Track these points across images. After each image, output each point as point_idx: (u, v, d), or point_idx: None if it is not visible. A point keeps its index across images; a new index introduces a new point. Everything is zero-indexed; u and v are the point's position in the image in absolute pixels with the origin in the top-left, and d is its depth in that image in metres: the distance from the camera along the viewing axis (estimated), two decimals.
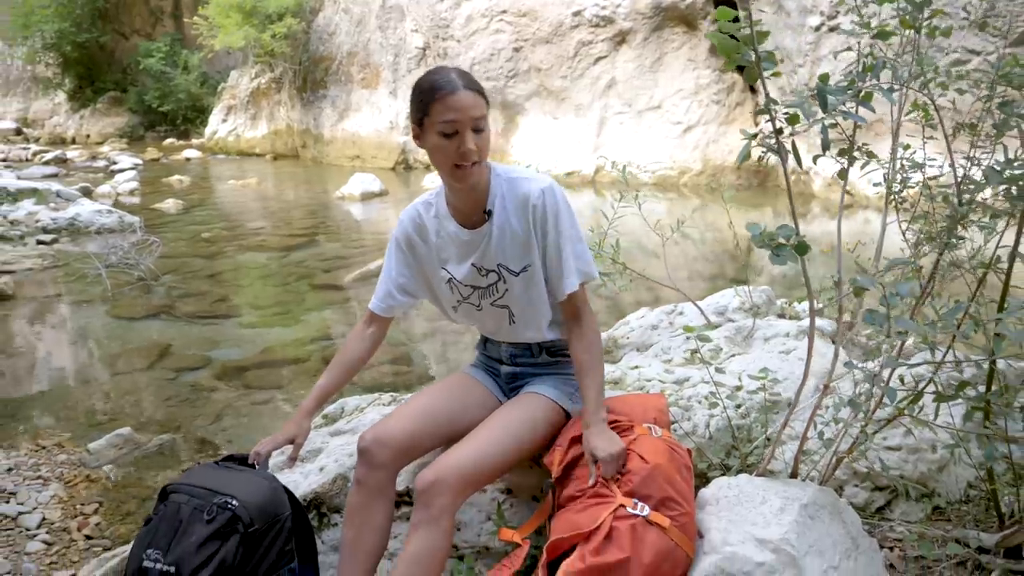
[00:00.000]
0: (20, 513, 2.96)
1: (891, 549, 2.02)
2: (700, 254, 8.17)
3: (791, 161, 1.56)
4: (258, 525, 1.78)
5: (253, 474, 1.92)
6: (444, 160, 1.87)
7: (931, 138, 2.04)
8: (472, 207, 1.98)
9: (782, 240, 1.47)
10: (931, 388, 1.84)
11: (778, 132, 1.45)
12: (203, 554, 1.71)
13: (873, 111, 1.61)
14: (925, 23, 1.91)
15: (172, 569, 1.71)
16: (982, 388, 1.95)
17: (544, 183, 1.97)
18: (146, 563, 1.74)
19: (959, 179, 1.68)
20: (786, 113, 1.44)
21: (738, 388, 2.25)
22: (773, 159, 1.57)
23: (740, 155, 1.49)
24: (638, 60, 12.52)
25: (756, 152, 1.59)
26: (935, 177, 2.01)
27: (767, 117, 1.44)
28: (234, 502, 1.77)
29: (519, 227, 1.96)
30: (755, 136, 1.49)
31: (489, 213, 1.97)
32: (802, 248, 1.47)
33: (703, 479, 2.10)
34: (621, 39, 12.58)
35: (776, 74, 1.43)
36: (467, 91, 1.82)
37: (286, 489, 1.94)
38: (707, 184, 11.86)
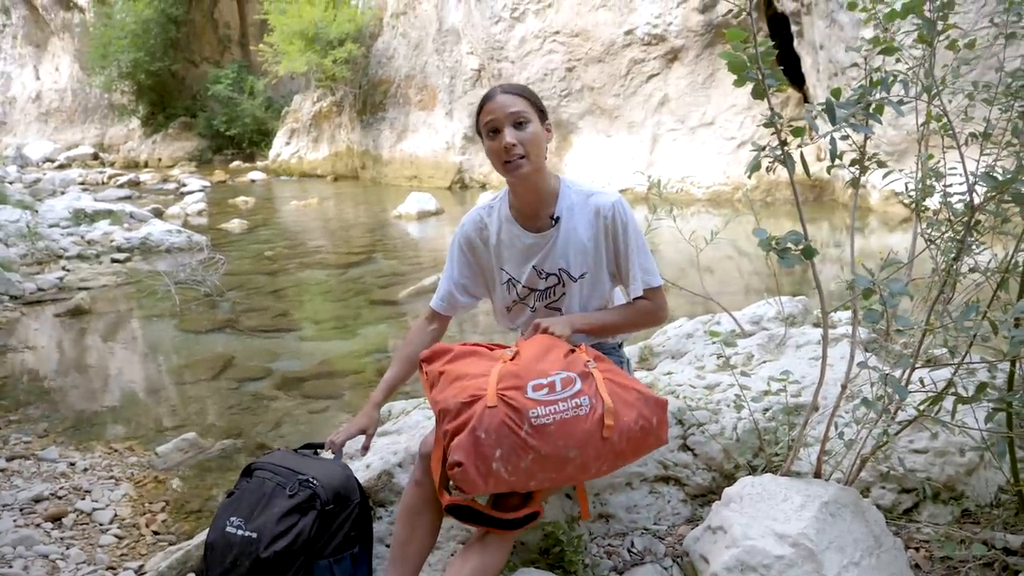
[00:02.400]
0: (95, 509, 3.17)
1: (917, 550, 2.05)
2: (754, 268, 8.14)
3: (846, 176, 1.64)
4: (333, 505, 1.93)
5: (329, 461, 2.08)
6: (495, 159, 2.05)
7: (950, 147, 2.10)
8: (536, 210, 2.13)
9: (790, 245, 1.56)
10: (953, 390, 1.88)
11: (783, 144, 1.54)
12: (283, 524, 1.87)
13: (880, 123, 1.69)
14: (943, 37, 1.97)
15: (254, 535, 1.87)
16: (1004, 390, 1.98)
17: (614, 196, 2.12)
18: (229, 529, 1.91)
19: (971, 186, 1.74)
20: (791, 126, 1.53)
21: (766, 392, 2.32)
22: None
23: (749, 166, 1.58)
24: (690, 77, 12.54)
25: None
26: (951, 185, 2.07)
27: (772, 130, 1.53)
28: (314, 481, 1.93)
29: (585, 235, 2.10)
30: (763, 148, 1.59)
31: (557, 219, 2.10)
32: (808, 252, 1.56)
33: (731, 480, 2.18)
34: (673, 56, 12.63)
35: (781, 89, 1.52)
36: (504, 94, 2.03)
37: (356, 479, 2.08)
38: (762, 199, 11.78)
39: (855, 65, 1.83)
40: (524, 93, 2.06)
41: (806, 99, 11.42)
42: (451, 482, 1.77)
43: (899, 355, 2.09)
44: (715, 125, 12.36)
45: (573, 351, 1.88)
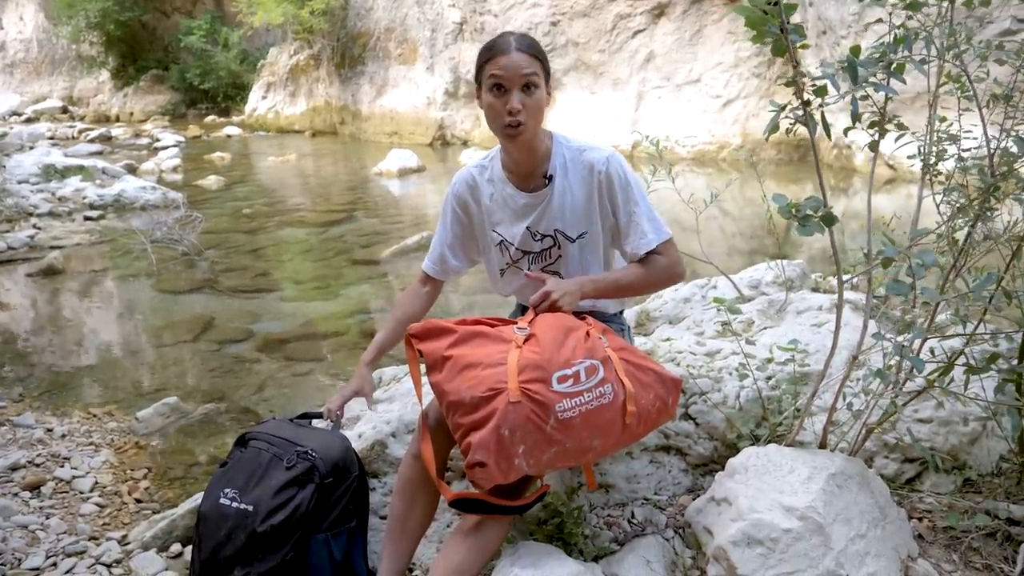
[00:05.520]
0: (74, 477, 3.08)
1: (920, 520, 2.03)
2: (739, 229, 8.09)
3: (828, 134, 1.57)
4: (333, 478, 1.87)
5: (327, 432, 2.01)
6: (495, 118, 1.92)
7: (967, 110, 2.02)
8: (530, 170, 2.02)
9: (809, 212, 1.49)
10: (962, 360, 1.84)
11: (806, 104, 1.46)
12: (281, 497, 1.81)
13: (904, 83, 1.61)
14: None
15: (250, 508, 1.80)
16: (1015, 361, 1.95)
17: (608, 151, 2.03)
18: (223, 500, 1.84)
19: (992, 151, 1.67)
20: (814, 84, 1.44)
21: (769, 360, 2.27)
22: (804, 131, 1.58)
23: (768, 127, 1.50)
24: (677, 33, 12.34)
25: (784, 125, 1.59)
26: (968, 149, 2.00)
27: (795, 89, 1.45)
28: (313, 453, 1.86)
29: (581, 194, 2.00)
30: (784, 108, 1.50)
31: (550, 178, 2.00)
32: (829, 219, 1.48)
33: (733, 449, 2.13)
34: (660, 12, 12.41)
35: (804, 46, 1.43)
36: (519, 52, 1.87)
37: (354, 451, 2.02)
38: (747, 159, 11.70)
39: (879, 20, 1.74)
40: (538, 53, 1.92)
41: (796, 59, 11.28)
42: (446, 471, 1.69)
43: (905, 323, 2.04)
44: (701, 83, 12.21)
45: (589, 334, 1.80)
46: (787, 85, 1.45)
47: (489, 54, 1.90)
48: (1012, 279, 1.98)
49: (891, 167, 9.11)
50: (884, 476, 2.09)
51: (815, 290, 2.91)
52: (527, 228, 2.05)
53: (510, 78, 1.86)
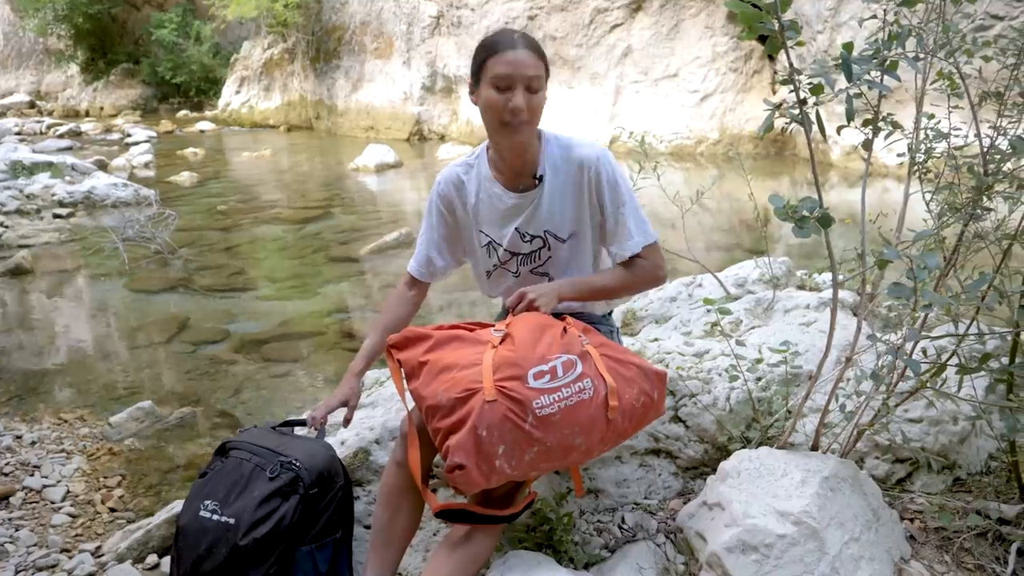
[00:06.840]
0: (45, 486, 2.98)
1: (912, 520, 2.02)
2: (716, 224, 8.10)
3: (814, 131, 1.53)
4: (317, 489, 1.81)
5: (311, 440, 1.95)
6: (493, 116, 1.87)
7: (956, 107, 2.00)
8: (519, 169, 1.98)
9: (805, 212, 1.45)
10: (954, 360, 1.83)
11: (802, 103, 1.42)
12: (264, 510, 1.74)
13: (899, 80, 1.58)
14: None
15: (231, 521, 1.73)
16: (1005, 360, 1.93)
17: (599, 149, 1.99)
18: (203, 513, 1.77)
19: (985, 149, 1.65)
20: (810, 83, 1.41)
21: (758, 361, 2.24)
22: (794, 128, 1.55)
23: (763, 126, 1.46)
24: (655, 27, 12.34)
25: (779, 123, 1.56)
26: (960, 147, 1.97)
27: (790, 87, 1.41)
28: (297, 463, 1.80)
29: (572, 193, 1.97)
30: (779, 107, 1.47)
31: (540, 178, 1.96)
32: (826, 221, 1.45)
33: (724, 452, 2.10)
34: (637, 6, 12.39)
35: (800, 43, 1.40)
36: (526, 50, 1.84)
37: (339, 460, 1.96)
38: (724, 153, 11.74)
39: (872, 16, 1.71)
40: (541, 52, 1.88)
41: (770, 55, 11.33)
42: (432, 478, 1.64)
43: (897, 323, 2.03)
44: (679, 78, 12.22)
45: (566, 330, 1.76)
46: (783, 84, 1.41)
47: (493, 49, 1.84)
48: (1003, 278, 1.97)
49: (865, 160, 9.17)
50: (875, 477, 2.07)
51: (801, 288, 2.89)
52: (516, 229, 2.00)
53: (516, 76, 1.82)
